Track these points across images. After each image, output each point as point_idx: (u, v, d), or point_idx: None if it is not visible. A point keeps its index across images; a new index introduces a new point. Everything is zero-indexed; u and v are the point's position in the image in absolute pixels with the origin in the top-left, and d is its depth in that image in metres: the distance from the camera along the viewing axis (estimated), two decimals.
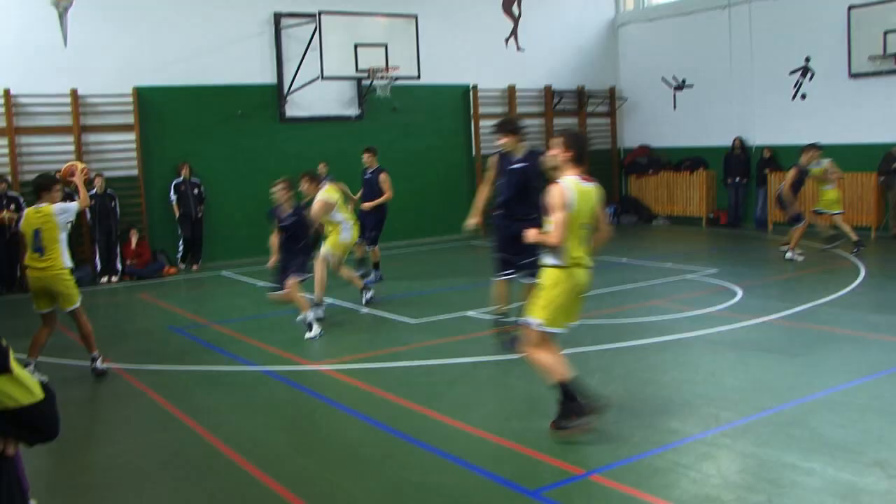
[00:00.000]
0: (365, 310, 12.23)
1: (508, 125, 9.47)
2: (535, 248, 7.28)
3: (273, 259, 10.96)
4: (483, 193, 9.99)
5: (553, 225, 6.41)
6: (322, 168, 16.38)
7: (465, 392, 8.25)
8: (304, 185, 11.70)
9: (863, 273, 13.66)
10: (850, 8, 18.37)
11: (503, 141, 9.33)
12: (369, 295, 12.61)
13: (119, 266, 16.16)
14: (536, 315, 6.69)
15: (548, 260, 6.64)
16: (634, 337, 9.92)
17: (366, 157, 14.39)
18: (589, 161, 7.04)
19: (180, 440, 7.18)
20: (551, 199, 6.43)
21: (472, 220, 9.91)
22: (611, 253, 17.02)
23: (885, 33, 17.78)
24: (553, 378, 6.72)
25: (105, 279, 15.96)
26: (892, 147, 17.67)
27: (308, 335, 10.50)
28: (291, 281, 10.60)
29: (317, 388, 8.57)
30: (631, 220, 22.72)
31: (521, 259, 9.12)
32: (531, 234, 6.69)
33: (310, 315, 10.67)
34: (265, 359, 9.71)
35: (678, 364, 8.88)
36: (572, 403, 6.62)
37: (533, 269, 8.05)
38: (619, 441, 6.62)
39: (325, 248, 11.97)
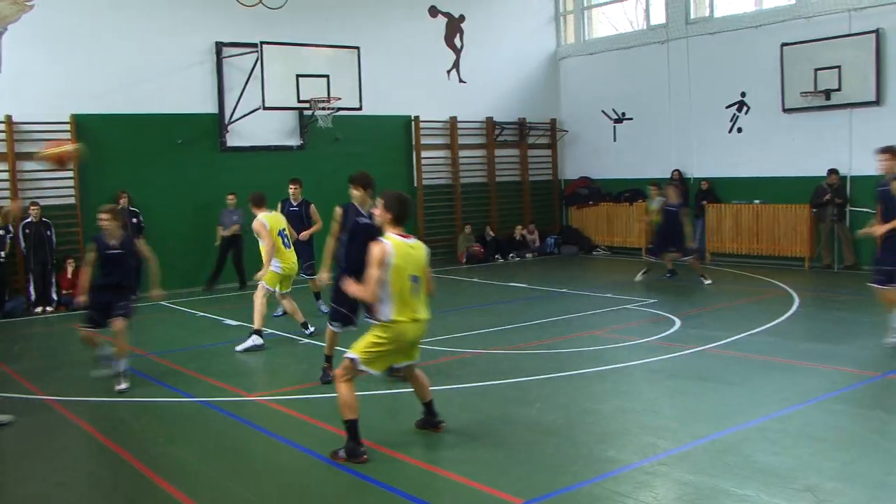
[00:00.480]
0: (304, 340, 12.15)
1: (362, 179, 9.34)
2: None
3: (83, 296, 9.98)
4: (330, 246, 9.57)
5: (367, 281, 6.76)
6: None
7: (406, 422, 8.22)
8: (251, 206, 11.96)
9: (796, 303, 13.93)
10: (782, 45, 18.86)
11: (354, 193, 9.24)
12: (311, 329, 12.43)
13: (54, 296, 15.87)
14: (356, 351, 7.03)
15: (376, 315, 7.04)
16: (575, 367, 9.99)
17: (294, 189, 14.20)
18: (409, 219, 7.32)
19: (114, 473, 7.06)
20: (369, 256, 6.74)
21: (324, 275, 9.67)
22: (552, 283, 17.18)
23: (816, 70, 18.28)
24: (344, 415, 6.99)
25: (40, 309, 15.65)
26: (823, 180, 18.10)
27: (118, 387, 9.62)
28: (121, 325, 9.83)
29: (254, 419, 8.47)
30: (572, 251, 22.91)
31: (353, 312, 9.31)
32: (351, 287, 7.06)
33: (121, 365, 9.81)
34: (203, 390, 9.59)
35: (617, 393, 8.95)
36: (350, 443, 6.96)
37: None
38: (557, 470, 6.64)
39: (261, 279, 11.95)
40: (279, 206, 14.03)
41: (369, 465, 6.87)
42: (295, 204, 14.20)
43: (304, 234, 13.86)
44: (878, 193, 11.21)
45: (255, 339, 11.55)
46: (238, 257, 17.71)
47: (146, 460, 7.19)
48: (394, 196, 7.07)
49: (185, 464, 7.20)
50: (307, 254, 13.94)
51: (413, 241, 6.93)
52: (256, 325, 11.62)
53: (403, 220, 7.04)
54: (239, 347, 11.58)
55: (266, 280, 11.93)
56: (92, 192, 16.99)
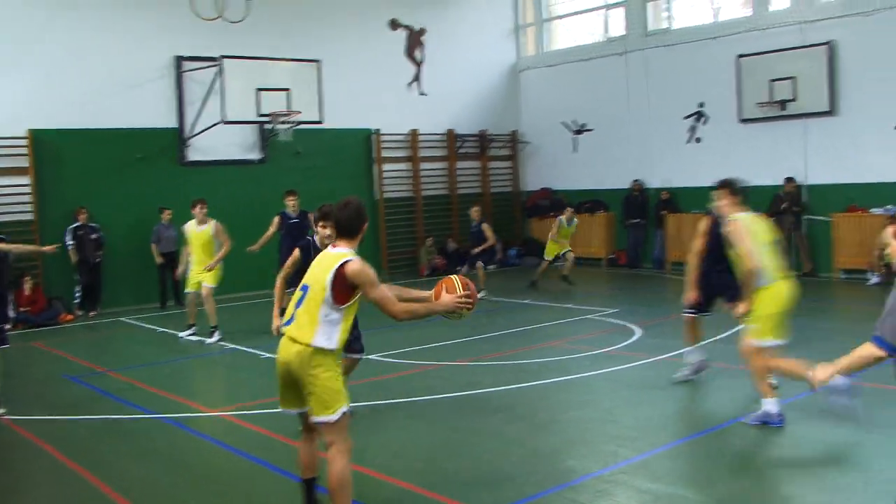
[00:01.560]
0: (265, 355, 12.11)
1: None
2: None
3: None
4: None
5: None
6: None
7: (367, 436, 8.22)
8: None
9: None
10: (739, 57, 19.14)
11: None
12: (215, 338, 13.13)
13: (12, 313, 15.65)
14: None
15: None
16: (536, 377, 10.05)
17: (292, 202, 14.33)
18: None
19: (74, 492, 6.98)
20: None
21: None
22: (513, 294, 17.25)
23: (772, 81, 18.57)
24: None
25: None
26: (781, 188, 18.36)
27: None
28: None
29: (216, 435, 8.44)
30: (533, 262, 22.90)
31: None
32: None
33: None
34: (165, 406, 9.53)
35: (578, 403, 9.02)
36: None
37: None
38: (519, 480, 6.68)
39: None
40: (278, 218, 14.13)
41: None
42: (294, 215, 14.25)
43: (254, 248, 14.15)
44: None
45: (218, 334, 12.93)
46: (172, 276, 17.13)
47: (106, 478, 7.13)
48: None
49: (146, 480, 7.15)
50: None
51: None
52: (214, 321, 12.95)
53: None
54: (209, 341, 12.86)
55: (213, 280, 13.08)
56: (50, 208, 16.84)
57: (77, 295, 16.92)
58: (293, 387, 5.50)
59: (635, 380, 9.87)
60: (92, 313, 16.87)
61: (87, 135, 17.31)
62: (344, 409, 5.43)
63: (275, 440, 8.06)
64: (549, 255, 18.50)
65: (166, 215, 17.35)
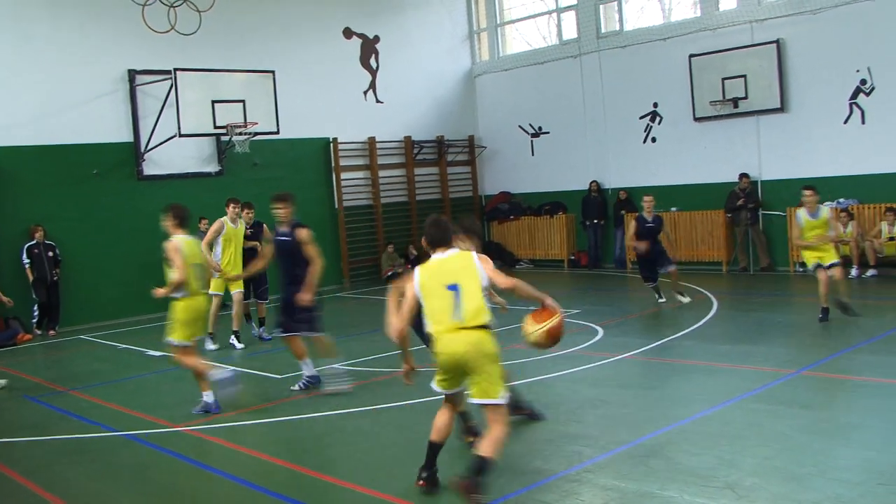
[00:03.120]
0: (230, 368, 12.04)
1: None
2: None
3: None
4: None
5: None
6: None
7: (333, 445, 8.24)
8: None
9: (715, 306, 14.26)
10: (690, 56, 19.38)
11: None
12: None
13: None
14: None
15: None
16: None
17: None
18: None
19: None
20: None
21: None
22: None
23: (724, 79, 18.83)
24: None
25: None
26: (735, 185, 18.60)
27: None
28: None
29: (182, 450, 8.39)
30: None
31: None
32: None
33: None
34: (128, 423, 9.46)
35: (541, 405, 9.03)
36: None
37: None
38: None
39: None
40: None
41: (301, 491, 6.87)
42: (249, 225, 14.29)
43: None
44: (278, 243, 10.51)
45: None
46: None
47: (70, 499, 7.07)
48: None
49: (112, 500, 7.10)
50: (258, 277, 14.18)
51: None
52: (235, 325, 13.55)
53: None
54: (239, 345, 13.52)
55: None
56: (4, 227, 16.64)
57: (35, 314, 16.72)
58: (459, 373, 6.35)
59: (598, 379, 9.97)
60: (51, 332, 16.68)
61: (41, 151, 17.13)
62: (505, 393, 6.35)
63: (241, 453, 8.05)
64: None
65: (203, 224, 17.11)
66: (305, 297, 9.91)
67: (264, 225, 14.12)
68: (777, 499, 5.96)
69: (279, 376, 11.26)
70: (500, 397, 6.24)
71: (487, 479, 6.03)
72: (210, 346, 13.53)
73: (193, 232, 16.81)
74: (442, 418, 6.62)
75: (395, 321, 6.66)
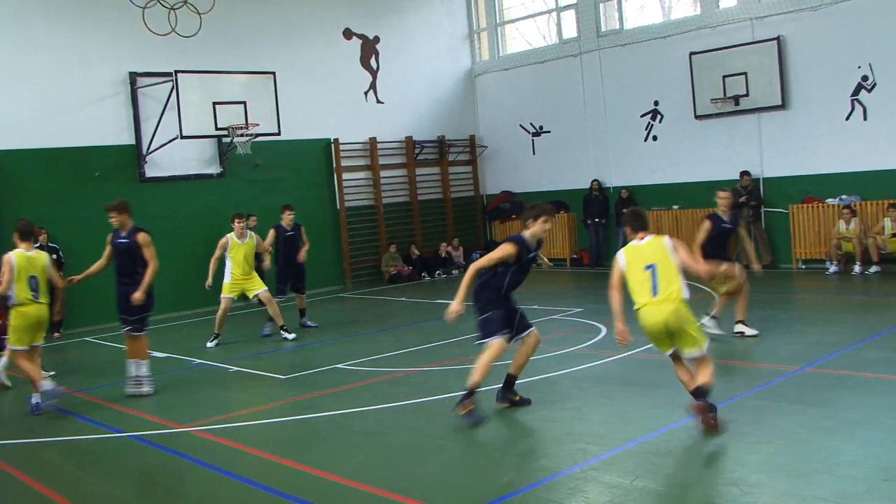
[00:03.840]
0: (233, 368, 12.08)
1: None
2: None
3: None
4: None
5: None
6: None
7: (337, 444, 8.24)
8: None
9: (717, 304, 14.20)
10: (691, 54, 19.39)
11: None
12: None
13: None
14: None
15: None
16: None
17: (288, 216, 15.10)
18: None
19: None
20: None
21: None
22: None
23: (724, 77, 18.82)
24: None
25: None
26: (737, 183, 18.59)
27: None
28: None
29: (187, 451, 8.39)
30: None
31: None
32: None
33: None
34: (133, 424, 9.46)
35: (546, 402, 9.07)
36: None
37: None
38: (490, 481, 6.73)
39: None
40: (273, 231, 14.90)
41: (306, 490, 6.87)
42: (289, 229, 14.96)
43: (302, 255, 15.05)
44: (118, 246, 11.33)
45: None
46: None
47: (79, 501, 7.08)
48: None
49: (118, 501, 7.11)
50: (300, 273, 15.19)
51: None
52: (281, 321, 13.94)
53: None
54: (290, 335, 13.98)
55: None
56: (7, 230, 16.60)
57: None
58: (667, 337, 7.54)
59: (602, 377, 9.97)
60: (55, 334, 16.69)
61: (43, 154, 17.16)
62: (708, 343, 7.63)
63: (246, 453, 8.05)
64: None
65: (251, 221, 17.37)
66: (138, 295, 10.69)
67: (302, 227, 15.21)
68: (782, 495, 5.96)
69: (282, 377, 11.27)
70: (704, 349, 7.49)
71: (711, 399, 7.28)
72: (210, 344, 13.83)
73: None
74: (682, 374, 7.69)
75: None
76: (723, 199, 12.32)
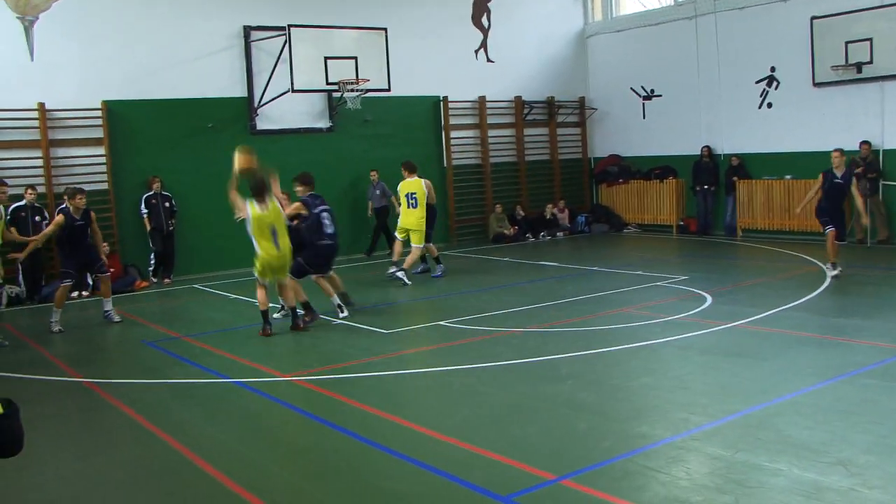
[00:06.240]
0: (337, 321, 12.24)
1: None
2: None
3: None
4: None
5: None
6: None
7: (438, 400, 8.31)
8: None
9: (828, 278, 13.83)
10: (812, 19, 18.65)
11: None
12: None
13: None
14: None
15: None
16: (605, 344, 10.01)
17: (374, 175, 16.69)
18: None
19: (153, 453, 7.16)
20: None
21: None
22: (583, 262, 17.20)
23: (847, 43, 18.06)
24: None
25: (76, 294, 15.82)
26: (856, 154, 17.92)
27: None
28: None
29: (289, 399, 8.58)
30: (602, 229, 22.86)
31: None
32: None
33: None
34: (238, 371, 9.71)
35: (648, 370, 8.97)
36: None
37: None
38: (589, 446, 6.70)
39: None
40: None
41: (405, 444, 6.94)
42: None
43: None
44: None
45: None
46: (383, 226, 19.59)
47: (185, 441, 7.30)
48: None
49: (224, 444, 7.31)
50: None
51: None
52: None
53: None
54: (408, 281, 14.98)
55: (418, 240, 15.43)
56: (124, 177, 17.20)
57: (151, 262, 17.29)
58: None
59: (707, 347, 9.79)
60: (166, 280, 17.22)
61: (159, 105, 17.60)
62: None
63: (346, 404, 8.17)
64: None
65: (374, 175, 19.02)
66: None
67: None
68: (893, 478, 5.77)
69: (386, 331, 11.38)
70: None
71: None
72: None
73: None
74: None
75: None
76: (836, 157, 13.87)
